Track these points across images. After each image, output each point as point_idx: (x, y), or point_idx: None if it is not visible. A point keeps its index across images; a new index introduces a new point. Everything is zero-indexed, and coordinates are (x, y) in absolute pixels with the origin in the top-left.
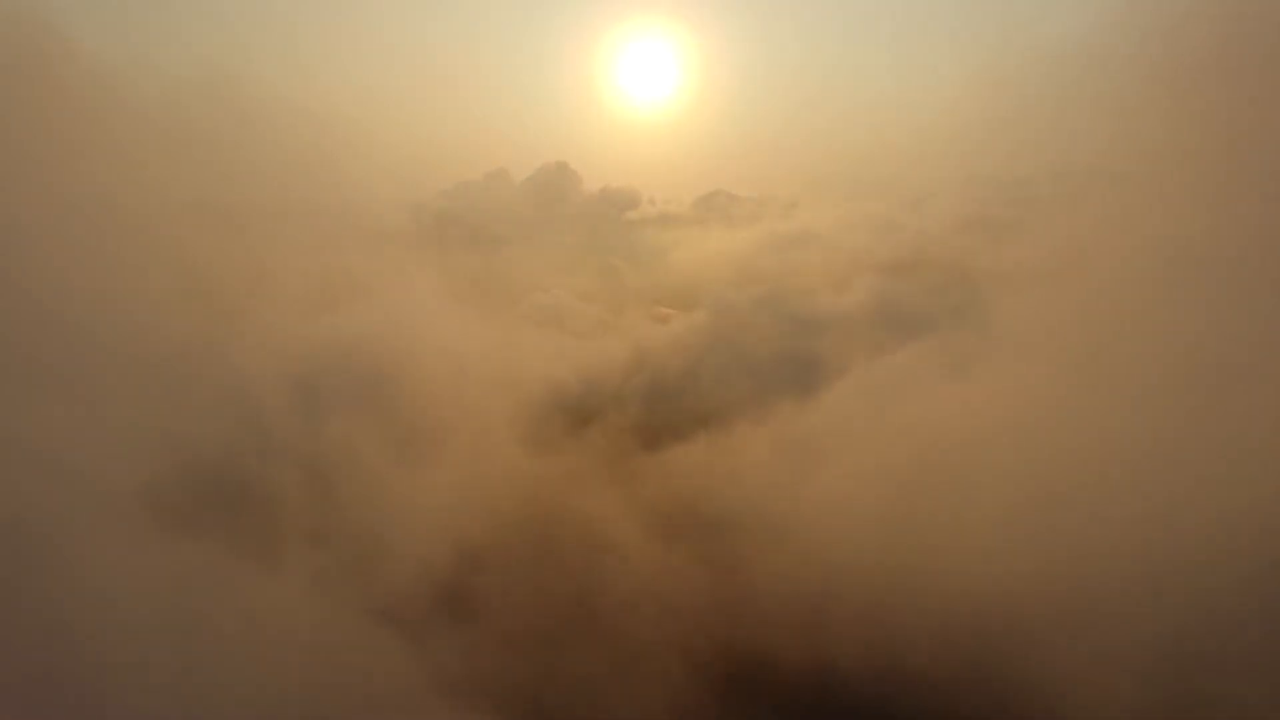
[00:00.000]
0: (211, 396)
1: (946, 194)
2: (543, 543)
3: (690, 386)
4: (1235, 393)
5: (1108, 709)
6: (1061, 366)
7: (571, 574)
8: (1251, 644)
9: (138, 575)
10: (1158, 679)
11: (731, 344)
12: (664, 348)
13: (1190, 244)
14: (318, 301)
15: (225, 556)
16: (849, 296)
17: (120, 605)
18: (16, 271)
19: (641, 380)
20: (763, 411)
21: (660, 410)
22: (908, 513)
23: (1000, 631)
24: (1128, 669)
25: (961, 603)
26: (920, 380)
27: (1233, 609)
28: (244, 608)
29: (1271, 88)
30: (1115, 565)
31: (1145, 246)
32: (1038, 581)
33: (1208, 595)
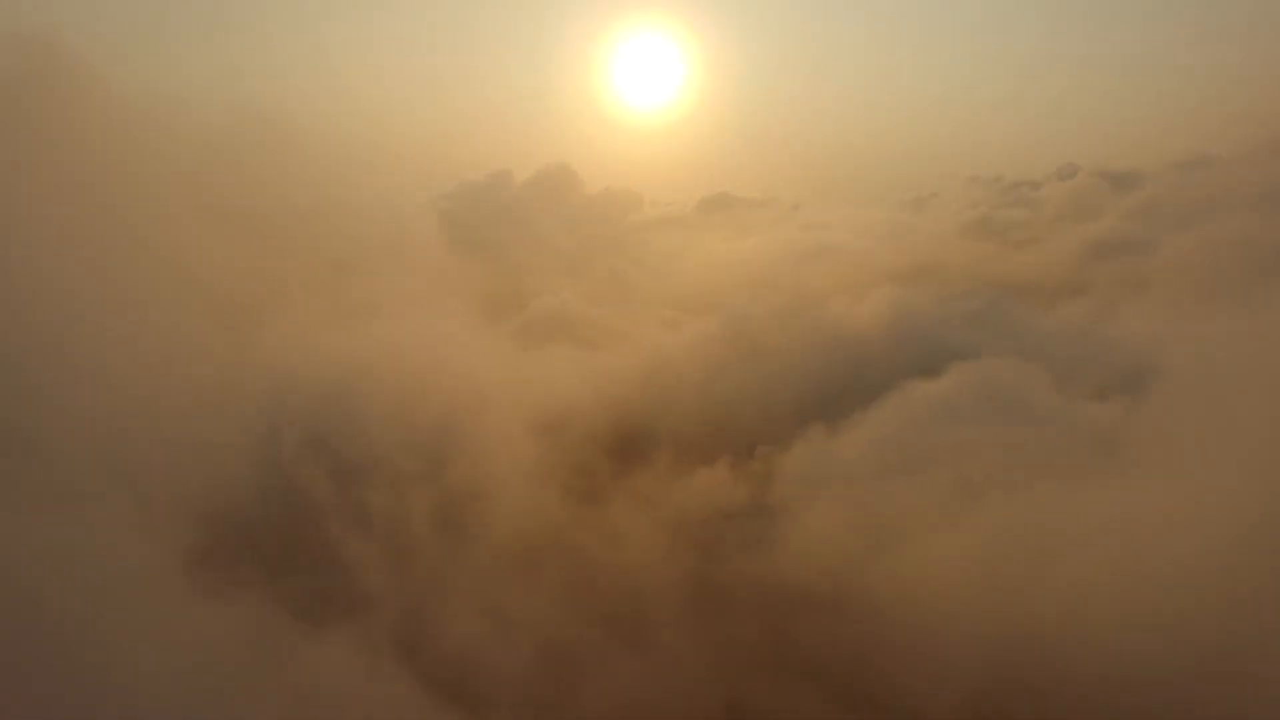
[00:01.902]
0: (239, 444)
1: (949, 194)
2: (604, 624)
3: (716, 404)
4: None
5: None
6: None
7: (645, 661)
8: None
9: (176, 646)
10: None
11: (751, 357)
12: (681, 359)
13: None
14: (329, 320)
15: (268, 622)
16: (868, 307)
17: (159, 678)
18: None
19: (665, 398)
20: (793, 436)
21: (690, 434)
22: (1010, 587)
23: None
24: None
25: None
26: (971, 412)
27: None
28: (289, 679)
29: None
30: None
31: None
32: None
33: None
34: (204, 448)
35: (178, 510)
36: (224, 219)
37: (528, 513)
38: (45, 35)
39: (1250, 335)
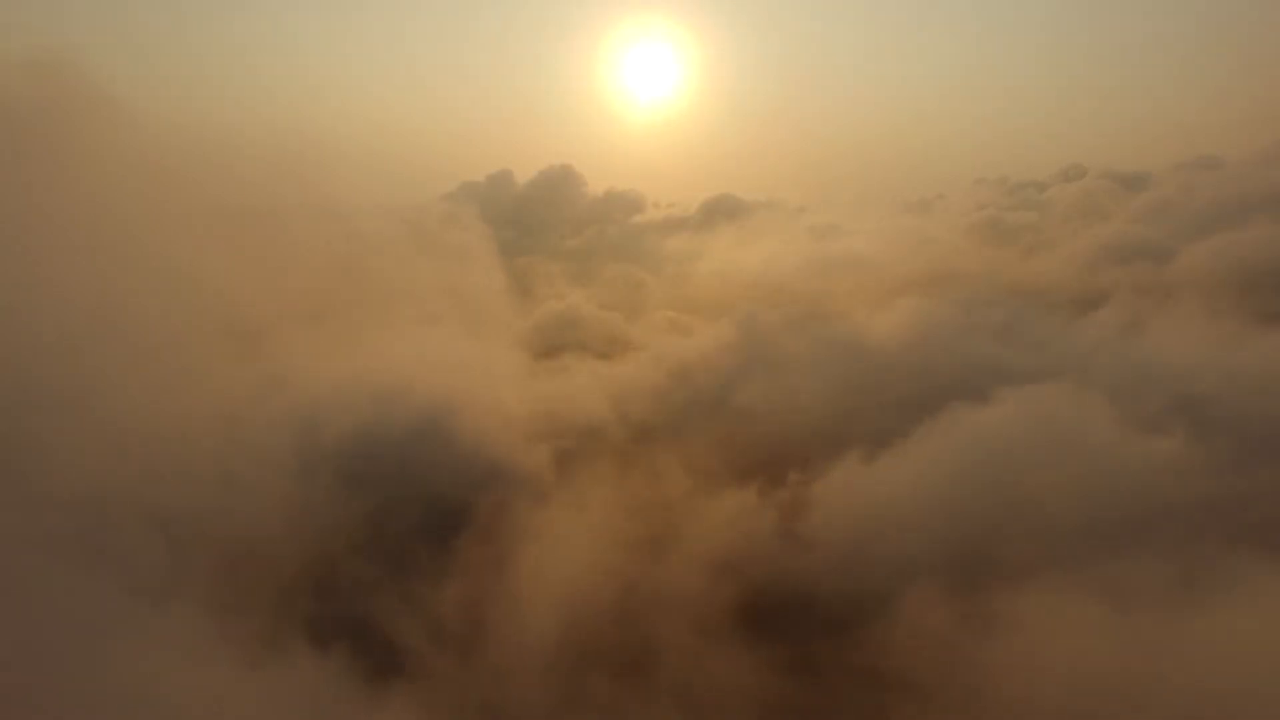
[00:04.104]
0: (269, 480)
1: (956, 196)
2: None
3: (737, 421)
4: None
5: None
6: None
7: None
8: None
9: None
10: None
11: (772, 369)
12: (698, 372)
13: None
14: (344, 337)
15: (313, 682)
16: (890, 318)
17: None
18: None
19: (684, 415)
20: (827, 460)
21: (715, 456)
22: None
23: None
24: None
25: None
26: (1039, 448)
27: None
28: None
29: None
30: None
31: None
32: None
33: None
34: (233, 485)
35: (211, 556)
36: (234, 229)
37: (570, 560)
38: (60, 59)
39: None
